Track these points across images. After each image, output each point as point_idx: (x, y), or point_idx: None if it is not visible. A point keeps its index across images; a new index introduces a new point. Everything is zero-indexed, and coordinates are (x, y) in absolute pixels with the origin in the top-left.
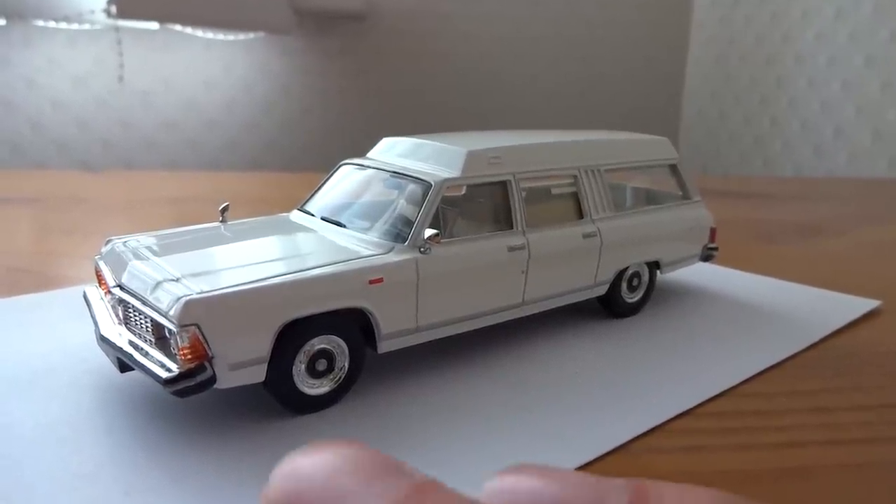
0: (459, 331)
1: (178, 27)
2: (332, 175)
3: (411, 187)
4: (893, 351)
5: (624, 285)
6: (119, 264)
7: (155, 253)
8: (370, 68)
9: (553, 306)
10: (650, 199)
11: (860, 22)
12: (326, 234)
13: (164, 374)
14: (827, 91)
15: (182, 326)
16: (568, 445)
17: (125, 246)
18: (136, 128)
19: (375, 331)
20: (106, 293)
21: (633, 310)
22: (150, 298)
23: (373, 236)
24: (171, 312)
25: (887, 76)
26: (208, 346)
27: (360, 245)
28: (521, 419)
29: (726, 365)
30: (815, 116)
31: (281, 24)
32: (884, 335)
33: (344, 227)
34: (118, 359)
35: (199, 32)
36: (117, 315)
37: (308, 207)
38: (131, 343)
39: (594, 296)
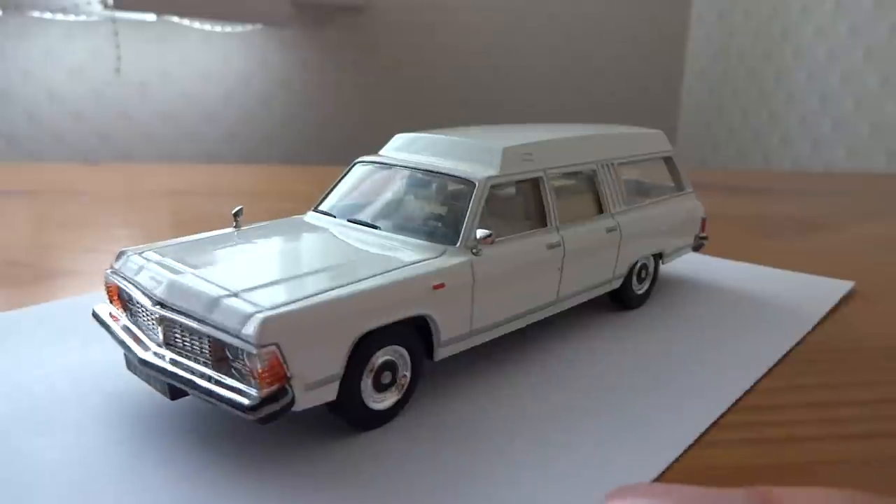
0: (504, 332)
1: (175, 19)
2: (346, 174)
3: (452, 186)
4: (891, 346)
5: (634, 277)
6: (150, 279)
7: (190, 265)
8: (368, 61)
9: (578, 302)
10: (642, 191)
11: (860, 15)
12: (362, 239)
13: (245, 401)
14: (826, 85)
15: (262, 346)
16: (647, 449)
17: (146, 258)
18: (134, 120)
19: (434, 337)
20: (120, 309)
21: (641, 300)
22: (211, 317)
23: (419, 239)
24: (246, 331)
25: (887, 69)
26: (287, 365)
27: (407, 249)
28: (592, 426)
29: (735, 363)
30: (813, 110)
31: (279, 17)
32: (881, 329)
33: (377, 229)
34: (168, 385)
35: (197, 24)
36: (155, 336)
37: (327, 209)
38: (187, 367)
39: (611, 289)
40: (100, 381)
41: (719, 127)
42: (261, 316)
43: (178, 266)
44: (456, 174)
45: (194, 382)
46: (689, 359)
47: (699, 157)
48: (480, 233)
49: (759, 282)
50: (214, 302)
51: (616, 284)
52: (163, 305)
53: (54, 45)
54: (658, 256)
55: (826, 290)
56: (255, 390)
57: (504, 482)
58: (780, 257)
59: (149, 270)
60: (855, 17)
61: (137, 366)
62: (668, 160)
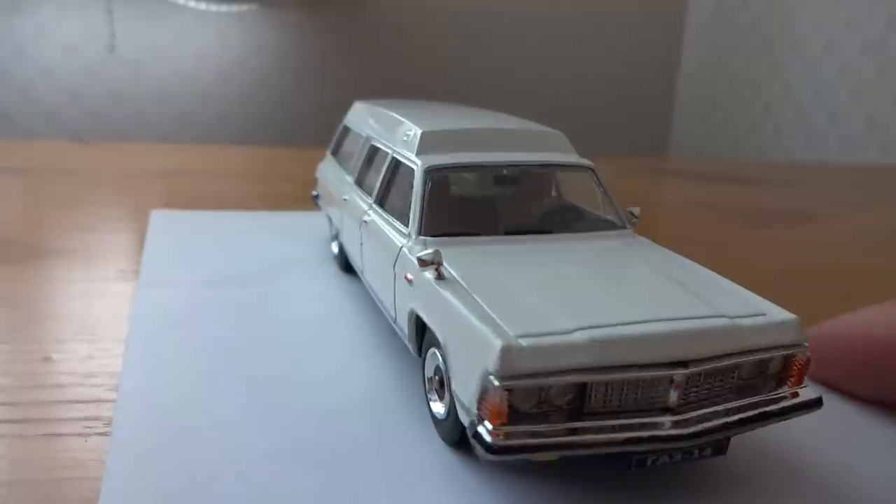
0: None
1: None
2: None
3: (557, 174)
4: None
5: None
6: (608, 352)
7: (609, 319)
8: (364, 43)
9: None
10: None
11: (858, 7)
12: (576, 246)
13: (814, 395)
14: (821, 77)
15: (805, 345)
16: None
17: (537, 337)
18: (128, 99)
19: None
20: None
21: None
22: (752, 341)
23: (604, 231)
24: (797, 337)
25: (883, 62)
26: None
27: (620, 241)
28: None
29: None
30: (808, 102)
31: None
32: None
33: (550, 233)
34: (713, 444)
35: (192, 3)
36: (667, 403)
37: (459, 228)
38: (730, 410)
39: None
40: None
41: (715, 117)
42: (792, 318)
43: (602, 323)
44: (566, 163)
45: (766, 413)
46: None
47: (694, 146)
48: (636, 209)
49: None
50: (734, 329)
51: None
52: (688, 363)
53: (47, 22)
54: None
55: None
56: (800, 389)
57: None
58: (770, 248)
59: (574, 345)
60: (852, 10)
61: (678, 442)
62: None
